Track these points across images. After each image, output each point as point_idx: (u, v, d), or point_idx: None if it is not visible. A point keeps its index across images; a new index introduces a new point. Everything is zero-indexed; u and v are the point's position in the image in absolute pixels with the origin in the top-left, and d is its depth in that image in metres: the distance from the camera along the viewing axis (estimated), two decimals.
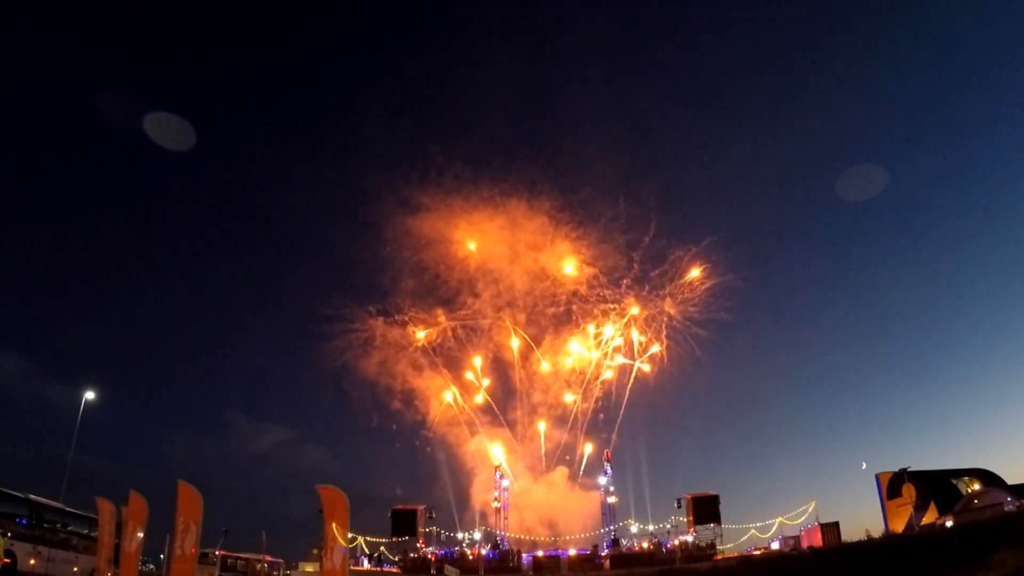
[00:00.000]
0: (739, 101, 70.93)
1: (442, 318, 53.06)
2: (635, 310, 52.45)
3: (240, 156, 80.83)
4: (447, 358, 53.14)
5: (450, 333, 53.21)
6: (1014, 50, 68.06)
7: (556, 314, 53.16)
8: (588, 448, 51.82)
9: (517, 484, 50.41)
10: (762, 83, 70.59)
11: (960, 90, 70.41)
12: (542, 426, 52.97)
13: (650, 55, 74.15)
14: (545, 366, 53.25)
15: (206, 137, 66.42)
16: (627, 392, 51.73)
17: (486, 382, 52.89)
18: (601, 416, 52.16)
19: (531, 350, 53.32)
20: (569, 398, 52.93)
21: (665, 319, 52.03)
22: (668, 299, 52.14)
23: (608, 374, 52.68)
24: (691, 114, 71.18)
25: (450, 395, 52.56)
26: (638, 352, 52.05)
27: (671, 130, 71.12)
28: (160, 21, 74.14)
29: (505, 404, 53.37)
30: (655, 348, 51.93)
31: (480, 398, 52.67)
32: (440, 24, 77.24)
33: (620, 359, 52.36)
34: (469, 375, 53.12)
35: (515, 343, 53.22)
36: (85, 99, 72.83)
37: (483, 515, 47.42)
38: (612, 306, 52.76)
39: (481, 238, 53.22)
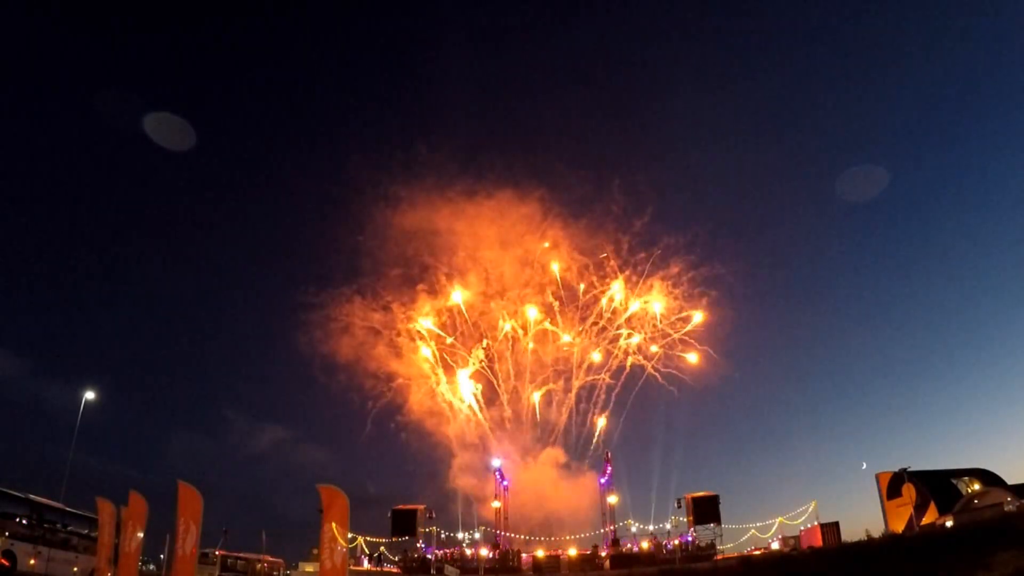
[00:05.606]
0: (739, 101, 71.01)
1: (428, 305, 53.11)
2: (621, 295, 52.53)
3: (239, 156, 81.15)
4: (437, 345, 53.12)
5: (438, 321, 53.15)
6: (1014, 50, 68.25)
7: (545, 303, 53.39)
8: (601, 422, 52.10)
9: (509, 463, 50.36)
10: (763, 83, 70.78)
11: (960, 90, 70.64)
12: (536, 396, 52.99)
13: (650, 53, 74.44)
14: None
15: (206, 137, 66.61)
16: (617, 386, 51.97)
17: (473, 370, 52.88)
18: (595, 417, 52.35)
19: (518, 339, 53.45)
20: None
21: (659, 315, 52.18)
22: (663, 295, 52.29)
23: (597, 356, 52.82)
24: (691, 114, 71.22)
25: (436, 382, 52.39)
26: (637, 349, 52.28)
27: (670, 128, 71.40)
28: (160, 21, 74.27)
29: (493, 391, 53.52)
30: (653, 348, 52.14)
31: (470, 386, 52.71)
32: (432, 21, 77.67)
33: (618, 354, 52.51)
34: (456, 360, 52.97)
35: (506, 327, 53.22)
36: (85, 99, 72.95)
37: (467, 501, 47.65)
38: (603, 290, 52.93)
39: (468, 228, 53.53)
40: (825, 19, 72.62)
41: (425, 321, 52.46)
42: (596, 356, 52.78)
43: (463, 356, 52.69)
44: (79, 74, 74.85)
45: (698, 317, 51.49)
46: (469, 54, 75.25)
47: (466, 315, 52.90)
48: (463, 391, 52.49)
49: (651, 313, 52.10)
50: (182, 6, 77.73)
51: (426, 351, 52.55)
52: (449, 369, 52.72)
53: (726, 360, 52.00)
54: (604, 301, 52.59)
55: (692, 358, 51.29)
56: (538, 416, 53.08)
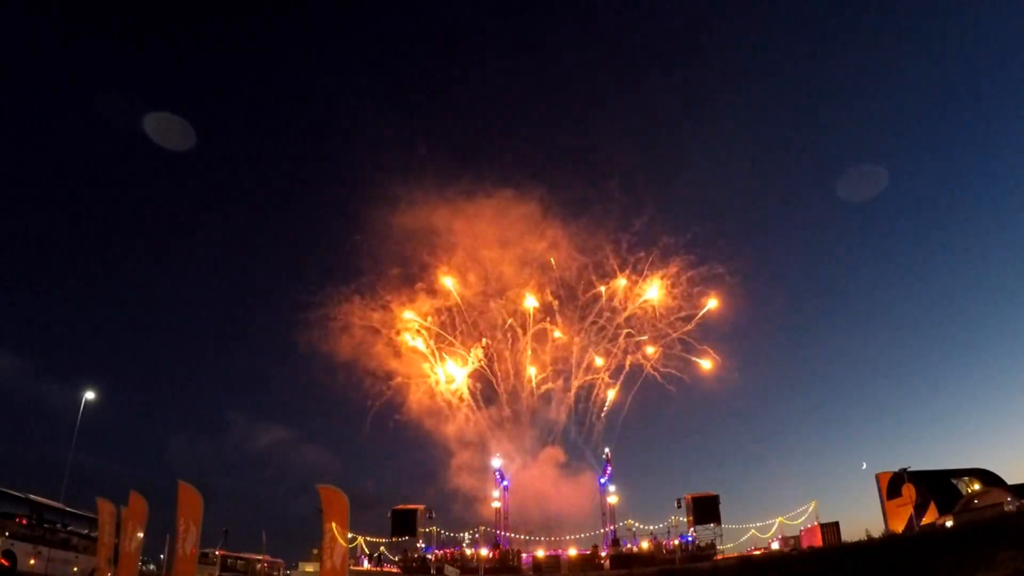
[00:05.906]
0: (740, 101, 70.99)
1: (428, 304, 52.96)
2: (621, 295, 52.47)
3: (239, 156, 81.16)
4: (436, 343, 53.04)
5: (436, 320, 52.99)
6: (1014, 50, 68.23)
7: (544, 303, 53.21)
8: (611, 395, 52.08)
9: (508, 461, 50.30)
10: (763, 83, 70.75)
11: (960, 91, 70.57)
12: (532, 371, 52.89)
13: (650, 54, 74.47)
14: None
15: (206, 137, 66.65)
16: (618, 385, 51.94)
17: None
18: (594, 417, 52.35)
19: (517, 338, 53.35)
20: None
21: (658, 315, 52.11)
22: (663, 294, 52.23)
23: (598, 359, 52.88)
24: (691, 114, 71.35)
25: (435, 378, 52.38)
26: (636, 348, 52.28)
27: (670, 128, 71.39)
28: (160, 21, 74.27)
29: (492, 391, 53.47)
30: (650, 349, 52.13)
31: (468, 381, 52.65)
32: (432, 21, 77.64)
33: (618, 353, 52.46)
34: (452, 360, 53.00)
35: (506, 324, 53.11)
36: (85, 99, 72.95)
37: (469, 501, 47.56)
38: (601, 289, 52.80)
39: (468, 227, 53.40)
40: (825, 19, 72.68)
41: (410, 314, 52.44)
42: (595, 356, 52.92)
43: (463, 355, 52.80)
44: (79, 74, 74.82)
45: (712, 303, 51.39)
46: (469, 54, 75.45)
47: (459, 301, 52.77)
48: (452, 371, 52.47)
49: (650, 312, 52.15)
50: (182, 6, 77.81)
51: (419, 342, 52.58)
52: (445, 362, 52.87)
53: (726, 359, 52.05)
54: (603, 300, 52.73)
55: (706, 364, 51.32)
56: (536, 412, 53.21)
